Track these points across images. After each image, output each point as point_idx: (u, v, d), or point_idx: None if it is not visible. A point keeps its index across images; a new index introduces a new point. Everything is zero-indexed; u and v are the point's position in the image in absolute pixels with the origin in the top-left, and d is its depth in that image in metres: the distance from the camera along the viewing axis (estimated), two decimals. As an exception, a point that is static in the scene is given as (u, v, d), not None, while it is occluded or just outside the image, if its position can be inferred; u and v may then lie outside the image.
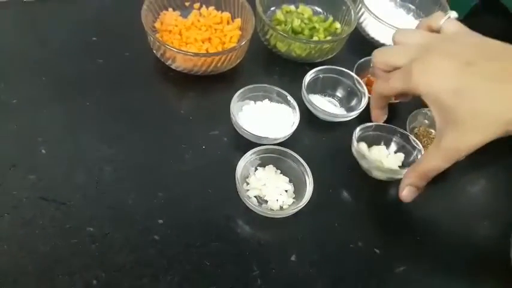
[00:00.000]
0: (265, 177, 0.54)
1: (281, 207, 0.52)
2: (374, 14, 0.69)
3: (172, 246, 0.48)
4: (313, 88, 0.63)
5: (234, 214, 0.52)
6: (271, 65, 0.68)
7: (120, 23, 0.66)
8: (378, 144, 0.59)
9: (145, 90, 0.61)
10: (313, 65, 0.64)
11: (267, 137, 0.55)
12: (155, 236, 0.49)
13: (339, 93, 0.65)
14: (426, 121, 0.62)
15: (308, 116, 0.61)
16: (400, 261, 0.52)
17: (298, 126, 0.57)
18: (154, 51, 0.61)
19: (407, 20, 0.76)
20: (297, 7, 0.72)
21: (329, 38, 0.69)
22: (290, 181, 0.54)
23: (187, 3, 0.67)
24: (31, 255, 0.46)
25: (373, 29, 0.72)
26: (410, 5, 0.78)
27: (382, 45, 0.71)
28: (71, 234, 0.47)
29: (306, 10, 0.71)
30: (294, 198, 0.53)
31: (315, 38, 0.68)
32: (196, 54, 0.59)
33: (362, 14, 0.71)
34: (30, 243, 0.46)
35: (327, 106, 0.63)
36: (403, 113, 0.61)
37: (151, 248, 0.48)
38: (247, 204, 0.51)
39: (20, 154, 0.52)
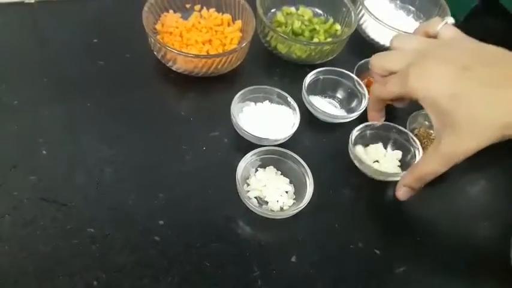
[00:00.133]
0: (265, 178, 0.54)
1: (281, 208, 0.52)
2: (374, 16, 0.69)
3: (172, 246, 0.48)
4: (314, 89, 0.63)
5: (234, 215, 0.52)
6: (271, 67, 0.68)
7: (121, 24, 0.66)
8: (375, 142, 0.59)
9: (146, 91, 0.61)
10: (314, 67, 0.64)
11: (268, 138, 0.55)
12: (156, 236, 0.49)
13: (339, 94, 0.65)
14: (426, 122, 0.62)
15: (308, 117, 0.61)
16: (400, 261, 0.52)
17: (298, 128, 0.57)
18: (155, 53, 0.62)
19: (407, 22, 0.77)
20: (297, 9, 0.72)
21: (329, 39, 0.69)
22: (290, 182, 0.55)
23: (188, 5, 0.67)
24: (32, 256, 0.46)
25: (373, 31, 0.72)
26: (410, 7, 0.78)
27: (382, 46, 0.71)
28: (72, 235, 0.48)
29: (306, 12, 0.71)
30: (294, 199, 0.53)
31: (315, 40, 0.68)
32: (197, 56, 0.59)
33: (362, 16, 0.71)
34: (30, 244, 0.46)
35: (327, 107, 0.63)
36: (403, 113, 0.61)
37: (151, 249, 0.48)
38: (247, 205, 0.51)
39: (20, 155, 0.52)
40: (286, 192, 0.54)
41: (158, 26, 0.64)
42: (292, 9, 0.72)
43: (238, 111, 0.58)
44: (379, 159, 0.58)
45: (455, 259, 0.53)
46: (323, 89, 0.64)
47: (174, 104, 0.62)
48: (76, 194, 0.50)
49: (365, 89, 0.62)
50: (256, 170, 0.55)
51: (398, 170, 0.58)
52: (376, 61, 0.51)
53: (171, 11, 0.66)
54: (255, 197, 0.53)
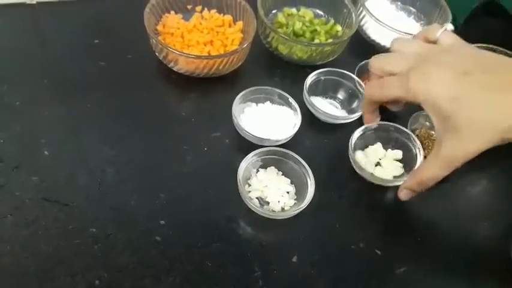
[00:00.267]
0: (266, 179, 0.54)
1: (282, 209, 0.52)
2: (375, 17, 0.69)
3: (174, 247, 0.49)
4: (315, 90, 0.63)
5: (235, 215, 0.52)
6: (272, 68, 0.68)
7: (122, 25, 0.66)
8: (374, 143, 0.59)
9: (147, 92, 0.61)
10: (315, 68, 0.64)
11: (269, 139, 0.56)
12: (157, 237, 0.49)
13: (340, 95, 0.65)
14: (427, 123, 0.62)
15: (309, 118, 0.62)
16: (401, 262, 0.52)
17: (299, 128, 0.57)
18: (157, 54, 0.62)
19: (408, 23, 0.77)
20: (298, 10, 0.73)
21: (330, 40, 0.69)
22: (291, 182, 0.55)
23: (189, 6, 0.68)
24: (34, 256, 0.46)
25: (374, 32, 0.72)
26: (411, 8, 0.78)
27: (383, 47, 0.71)
28: (74, 235, 0.48)
29: (307, 13, 0.72)
30: (295, 199, 0.53)
31: (316, 41, 0.68)
32: (198, 57, 0.59)
33: (363, 17, 0.71)
34: (33, 244, 0.46)
35: (328, 108, 0.63)
36: (404, 114, 0.61)
37: (153, 249, 0.48)
38: (248, 206, 0.51)
39: (22, 155, 0.53)
40: (288, 192, 0.54)
41: (159, 27, 0.65)
42: (293, 10, 0.72)
43: (240, 112, 0.58)
44: (379, 160, 0.58)
45: (455, 259, 0.53)
46: (324, 89, 0.64)
47: (175, 104, 0.62)
48: (78, 194, 0.51)
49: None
50: (258, 171, 0.55)
51: (399, 170, 0.58)
52: (376, 62, 0.52)
53: (172, 12, 0.66)
54: (256, 198, 0.53)
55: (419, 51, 0.49)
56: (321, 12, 0.74)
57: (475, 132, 0.43)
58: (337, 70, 0.64)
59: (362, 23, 0.72)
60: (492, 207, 0.60)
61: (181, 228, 0.50)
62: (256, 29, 0.63)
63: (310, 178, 0.53)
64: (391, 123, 0.59)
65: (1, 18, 0.65)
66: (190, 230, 0.50)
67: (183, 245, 0.49)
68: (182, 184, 0.53)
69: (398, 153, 0.59)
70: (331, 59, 0.68)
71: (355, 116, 0.61)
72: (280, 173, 0.55)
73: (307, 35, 0.68)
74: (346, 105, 0.64)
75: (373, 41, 0.73)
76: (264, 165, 0.55)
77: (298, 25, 0.68)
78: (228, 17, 0.67)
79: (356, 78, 0.63)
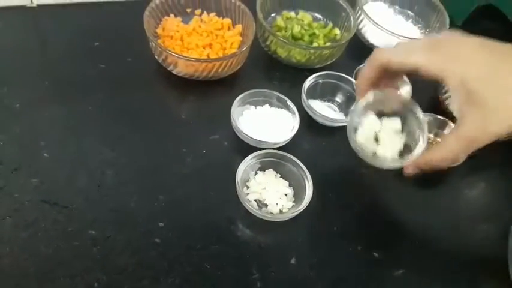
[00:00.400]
0: (265, 181, 0.54)
1: (281, 211, 0.53)
2: (373, 21, 0.70)
3: (173, 248, 0.49)
4: (313, 93, 0.64)
5: (234, 217, 0.52)
6: (271, 71, 0.68)
7: (122, 28, 0.67)
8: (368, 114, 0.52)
9: (147, 94, 0.62)
10: (313, 71, 0.64)
11: (267, 142, 0.56)
12: (156, 238, 0.49)
13: (338, 98, 0.65)
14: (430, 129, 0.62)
15: (308, 121, 0.62)
16: (399, 264, 0.52)
17: (297, 131, 0.57)
18: (156, 57, 0.62)
19: (406, 27, 0.77)
20: (297, 13, 0.73)
21: (328, 44, 0.70)
22: (290, 185, 0.55)
23: (188, 10, 0.68)
24: (33, 257, 0.46)
25: (372, 35, 0.72)
26: (409, 12, 0.79)
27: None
28: (73, 237, 0.48)
29: (306, 16, 0.72)
30: (293, 201, 0.54)
31: (315, 44, 0.68)
32: (197, 60, 0.59)
33: (361, 21, 0.72)
34: (32, 246, 0.47)
35: (326, 111, 0.63)
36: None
37: (152, 251, 0.48)
38: (247, 208, 0.51)
39: (22, 157, 0.53)
40: (286, 194, 0.54)
41: (159, 30, 0.65)
42: (292, 13, 0.73)
43: (238, 115, 0.59)
44: (377, 134, 0.51)
45: (454, 261, 0.54)
46: (322, 92, 0.65)
47: (174, 107, 0.62)
48: (77, 196, 0.51)
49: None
50: (256, 173, 0.55)
51: (399, 142, 0.51)
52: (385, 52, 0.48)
53: (171, 15, 0.67)
54: (255, 200, 0.53)
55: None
56: (319, 16, 0.74)
57: (503, 114, 0.42)
58: (335, 73, 0.64)
59: (360, 26, 0.73)
60: (490, 210, 0.60)
61: (180, 230, 0.50)
62: (255, 32, 0.64)
63: (308, 180, 0.53)
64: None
65: (1, 20, 0.65)
66: (189, 231, 0.50)
67: (182, 246, 0.49)
68: (181, 186, 0.54)
69: (397, 124, 0.51)
70: (329, 62, 0.68)
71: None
72: (279, 175, 0.56)
73: (306, 38, 0.69)
74: (344, 108, 0.65)
75: (372, 44, 0.73)
76: (263, 168, 0.55)
77: (296, 28, 0.68)
78: (227, 20, 0.68)
79: (354, 81, 0.64)
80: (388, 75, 0.49)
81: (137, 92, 0.61)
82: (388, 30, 0.69)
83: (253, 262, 0.49)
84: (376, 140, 0.52)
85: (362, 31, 0.73)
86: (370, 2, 0.77)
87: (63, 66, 0.62)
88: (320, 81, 0.64)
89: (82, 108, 0.58)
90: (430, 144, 0.60)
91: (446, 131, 0.62)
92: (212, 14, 0.68)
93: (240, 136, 0.57)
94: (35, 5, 0.68)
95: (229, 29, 0.68)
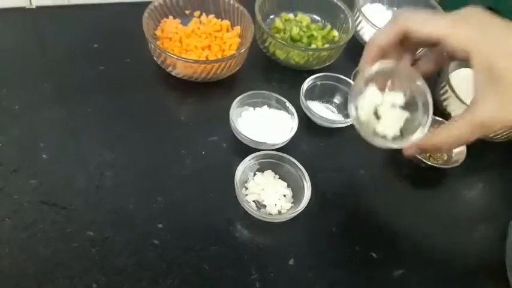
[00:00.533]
0: (263, 182, 0.54)
1: (279, 212, 0.53)
2: (371, 22, 0.70)
3: (171, 250, 0.49)
4: (311, 95, 0.64)
5: (233, 218, 0.52)
6: (270, 72, 0.69)
7: (121, 30, 0.67)
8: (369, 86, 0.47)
9: (146, 96, 0.62)
10: (312, 72, 0.65)
11: (266, 143, 0.56)
12: (155, 240, 0.49)
13: (337, 99, 0.65)
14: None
15: (306, 122, 0.62)
16: (398, 265, 0.52)
17: (296, 132, 0.58)
18: (155, 58, 0.62)
19: (404, 28, 0.77)
20: (295, 15, 0.73)
21: (327, 45, 0.70)
22: (288, 186, 0.55)
23: (187, 11, 0.68)
24: (32, 258, 0.46)
25: (371, 37, 0.73)
26: (407, 14, 0.79)
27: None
28: (72, 238, 0.48)
29: (305, 18, 0.72)
30: (292, 202, 0.54)
31: (313, 46, 0.69)
32: (196, 62, 0.60)
33: (359, 22, 0.72)
34: (31, 247, 0.47)
35: (324, 112, 0.64)
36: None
37: (151, 252, 0.48)
38: (246, 209, 0.51)
39: (21, 159, 0.53)
40: (284, 195, 0.54)
41: (158, 32, 0.65)
42: (291, 15, 0.73)
43: (237, 116, 0.59)
44: (377, 108, 0.47)
45: (452, 262, 0.54)
46: (321, 94, 0.65)
47: (173, 108, 0.63)
48: (76, 197, 0.51)
49: (350, 118, 0.60)
50: (255, 174, 0.55)
51: (400, 119, 0.47)
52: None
53: (170, 17, 0.67)
54: (254, 201, 0.53)
55: None
56: (317, 18, 0.75)
57: None
58: (333, 75, 0.64)
59: (358, 28, 0.73)
60: (489, 211, 0.60)
61: (179, 231, 0.50)
62: (254, 34, 0.64)
63: (306, 181, 0.53)
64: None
65: (0, 22, 0.65)
66: (188, 233, 0.51)
67: (180, 248, 0.49)
68: (180, 187, 0.54)
69: (399, 97, 0.47)
70: (327, 64, 0.69)
71: (351, 120, 0.61)
72: (277, 176, 0.56)
73: (304, 40, 0.69)
74: (343, 109, 0.65)
75: (370, 46, 0.73)
76: (261, 169, 0.55)
77: (295, 30, 0.69)
78: (226, 22, 0.68)
79: (352, 82, 0.64)
80: (401, 47, 0.44)
81: (136, 94, 0.62)
82: (386, 31, 0.69)
83: (252, 263, 0.49)
84: (378, 117, 0.47)
85: (360, 33, 0.74)
86: (368, 3, 0.77)
87: (62, 68, 0.62)
88: (318, 82, 0.64)
89: (81, 109, 0.58)
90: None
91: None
92: (211, 16, 0.68)
93: (238, 137, 0.58)
94: (34, 6, 0.68)
95: (228, 30, 0.68)
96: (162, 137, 0.58)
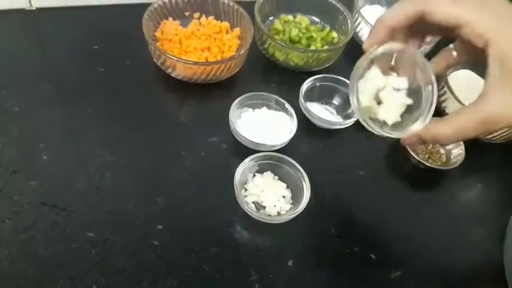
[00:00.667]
0: (263, 183, 0.54)
1: (279, 213, 0.53)
2: (370, 24, 0.70)
3: (171, 251, 0.49)
4: (311, 96, 0.64)
5: (232, 219, 0.53)
6: (269, 74, 0.69)
7: (121, 31, 0.67)
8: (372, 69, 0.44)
9: (146, 97, 0.62)
10: (311, 74, 0.65)
11: (265, 144, 0.56)
12: (155, 241, 0.49)
13: (336, 101, 0.66)
14: None
15: (305, 124, 0.62)
16: (396, 266, 0.53)
17: (295, 134, 0.58)
18: (155, 60, 0.62)
19: (403, 30, 0.78)
20: (294, 17, 0.73)
21: (326, 47, 0.70)
22: (287, 187, 0.55)
23: (187, 13, 0.68)
24: (32, 259, 0.46)
25: (370, 39, 0.73)
26: (406, 15, 0.79)
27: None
28: (72, 239, 0.48)
29: (304, 20, 0.73)
30: (291, 204, 0.54)
31: (312, 47, 0.69)
32: (196, 63, 0.60)
33: (358, 24, 0.72)
34: (31, 248, 0.47)
35: (323, 114, 0.64)
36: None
37: (150, 253, 0.49)
38: (245, 210, 0.51)
39: (21, 160, 0.53)
40: (284, 197, 0.54)
41: (158, 33, 0.65)
42: (290, 17, 0.73)
43: (237, 117, 0.59)
44: (379, 92, 0.44)
45: (450, 264, 0.54)
46: (320, 95, 0.65)
47: (173, 110, 0.63)
48: (76, 198, 0.51)
49: (350, 99, 0.60)
50: (254, 175, 0.55)
51: (402, 105, 0.44)
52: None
53: (170, 19, 0.67)
54: (253, 202, 0.53)
55: None
56: (317, 19, 0.75)
57: None
58: (332, 76, 0.65)
59: (357, 29, 0.73)
60: (487, 212, 0.61)
61: (179, 233, 0.51)
62: (253, 35, 0.64)
63: (305, 183, 0.53)
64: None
65: (1, 23, 0.65)
66: (187, 234, 0.51)
67: (180, 249, 0.49)
68: (180, 189, 0.54)
69: (402, 82, 0.44)
70: (327, 65, 0.69)
71: (350, 122, 0.61)
72: (277, 177, 0.56)
73: (304, 41, 0.69)
74: (342, 110, 0.65)
75: (369, 47, 0.73)
76: (261, 170, 0.56)
77: (294, 32, 0.69)
78: (226, 24, 0.68)
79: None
80: (409, 31, 0.42)
81: (136, 95, 0.62)
82: (385, 33, 0.69)
83: (251, 264, 0.50)
84: (378, 103, 0.45)
85: (359, 34, 0.74)
86: (367, 5, 0.77)
87: (62, 69, 0.63)
88: (317, 84, 0.64)
89: (81, 110, 0.59)
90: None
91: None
92: (210, 18, 0.68)
93: (238, 139, 0.58)
94: (34, 8, 0.68)
95: (227, 32, 0.68)
96: (162, 138, 0.58)
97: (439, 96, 0.65)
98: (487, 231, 0.58)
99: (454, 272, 0.54)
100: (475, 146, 0.63)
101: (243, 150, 0.57)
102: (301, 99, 0.62)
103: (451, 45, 0.45)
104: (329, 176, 0.59)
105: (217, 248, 0.50)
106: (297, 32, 0.69)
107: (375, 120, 0.44)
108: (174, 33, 0.65)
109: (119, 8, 0.71)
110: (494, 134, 0.63)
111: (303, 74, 0.67)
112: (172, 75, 0.62)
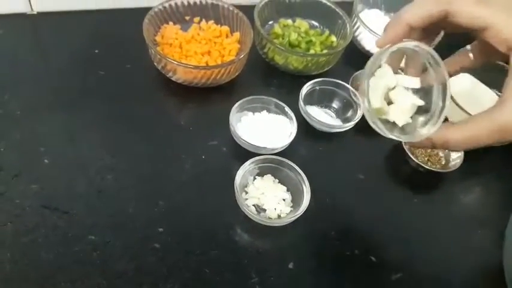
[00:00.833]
0: (263, 186, 0.55)
1: (279, 216, 0.53)
2: (369, 28, 0.70)
3: (172, 254, 0.49)
4: (310, 100, 0.64)
5: (233, 222, 0.53)
6: (269, 77, 0.69)
7: (121, 35, 0.67)
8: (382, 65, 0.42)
9: (146, 101, 0.62)
10: (310, 77, 0.65)
11: (265, 147, 0.57)
12: (155, 244, 0.50)
13: (335, 104, 0.66)
14: None
15: (305, 127, 0.63)
16: (397, 268, 0.53)
17: (295, 137, 0.58)
18: (155, 64, 0.63)
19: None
20: (294, 21, 0.74)
21: (325, 51, 0.71)
22: (288, 190, 0.56)
23: (187, 17, 0.69)
24: (33, 262, 0.46)
25: (368, 43, 0.73)
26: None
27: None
28: (73, 242, 0.48)
29: (303, 24, 0.73)
30: (291, 206, 0.54)
31: (312, 51, 0.69)
32: (196, 67, 0.60)
33: (357, 28, 0.73)
34: (32, 251, 0.47)
35: (323, 117, 0.64)
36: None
37: (151, 256, 0.49)
38: (246, 213, 0.52)
39: (23, 164, 0.53)
40: (284, 200, 0.55)
41: (158, 38, 0.66)
42: (289, 21, 0.74)
43: (237, 121, 0.59)
44: (389, 92, 0.42)
45: (450, 266, 0.54)
46: (319, 99, 0.65)
47: (173, 113, 0.63)
48: (77, 201, 0.51)
49: (360, 99, 0.63)
50: (254, 178, 0.56)
51: (413, 106, 0.42)
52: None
53: (170, 23, 0.67)
54: (253, 205, 0.54)
55: None
56: (316, 23, 0.75)
57: None
58: (332, 80, 0.65)
59: (356, 33, 0.74)
60: (486, 215, 0.61)
61: (180, 235, 0.51)
62: (253, 39, 0.65)
63: (305, 186, 0.53)
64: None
65: (2, 27, 0.66)
66: (188, 237, 0.51)
67: (181, 251, 0.50)
68: (180, 192, 0.54)
69: (415, 82, 0.42)
70: (326, 69, 0.69)
71: (349, 125, 0.62)
72: (277, 180, 0.56)
73: (303, 45, 0.69)
74: (341, 114, 0.65)
75: (368, 51, 0.74)
76: (261, 173, 0.56)
77: (293, 36, 0.69)
78: (225, 28, 0.68)
79: (350, 88, 0.65)
80: (427, 29, 0.40)
81: (136, 99, 0.62)
82: (383, 37, 0.69)
83: (251, 267, 0.50)
84: (388, 103, 0.42)
85: (358, 38, 0.74)
86: (366, 9, 0.78)
87: (63, 73, 0.63)
88: (317, 87, 0.65)
89: (82, 114, 0.59)
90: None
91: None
92: (210, 22, 0.69)
93: (238, 142, 0.58)
94: (35, 12, 0.68)
95: (227, 36, 0.68)
96: (162, 142, 0.59)
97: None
98: (487, 233, 0.58)
99: (454, 274, 0.54)
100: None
101: (243, 154, 0.57)
102: (301, 103, 0.62)
103: (468, 47, 0.43)
104: (329, 179, 0.59)
105: (217, 250, 0.50)
106: (296, 36, 0.70)
107: (384, 121, 0.41)
108: (175, 38, 0.65)
109: (119, 12, 0.72)
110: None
111: (302, 77, 0.68)
112: (173, 79, 0.63)
